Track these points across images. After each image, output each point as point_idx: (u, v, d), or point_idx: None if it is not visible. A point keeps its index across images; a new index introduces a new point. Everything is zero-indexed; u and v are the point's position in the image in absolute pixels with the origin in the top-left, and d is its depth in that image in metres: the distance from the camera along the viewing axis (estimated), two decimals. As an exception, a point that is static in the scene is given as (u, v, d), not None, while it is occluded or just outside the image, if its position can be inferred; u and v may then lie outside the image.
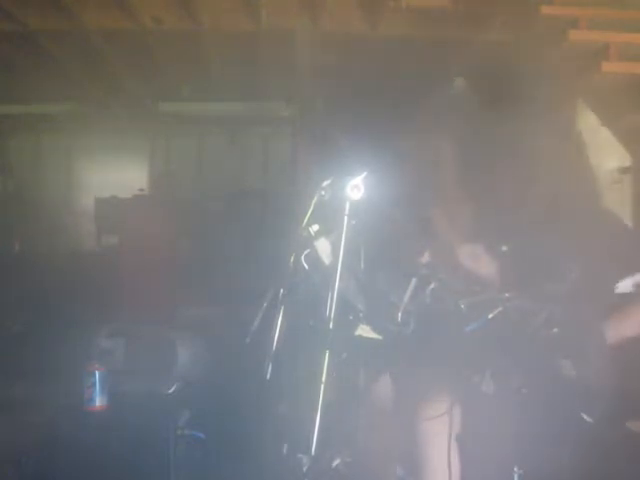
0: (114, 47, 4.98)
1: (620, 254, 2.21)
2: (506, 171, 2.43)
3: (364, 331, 2.12)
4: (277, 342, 2.16)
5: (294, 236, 2.14)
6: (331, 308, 1.98)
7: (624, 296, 2.25)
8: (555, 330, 2.06)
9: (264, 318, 2.18)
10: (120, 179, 6.47)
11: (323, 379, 1.94)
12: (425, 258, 2.30)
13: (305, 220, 2.14)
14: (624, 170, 4.04)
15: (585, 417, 2.08)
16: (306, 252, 2.11)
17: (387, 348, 2.18)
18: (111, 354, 3.30)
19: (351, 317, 2.11)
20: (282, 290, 2.15)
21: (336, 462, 2.06)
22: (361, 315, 2.12)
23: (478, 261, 2.33)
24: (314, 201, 2.13)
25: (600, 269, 2.17)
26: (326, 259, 2.09)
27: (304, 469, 1.91)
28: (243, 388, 2.54)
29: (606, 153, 4.07)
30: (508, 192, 2.43)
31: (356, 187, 2.02)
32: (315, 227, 2.12)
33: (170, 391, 3.09)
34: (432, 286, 2.19)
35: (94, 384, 2.88)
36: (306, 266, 2.11)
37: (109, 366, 2.98)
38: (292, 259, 2.13)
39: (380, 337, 2.13)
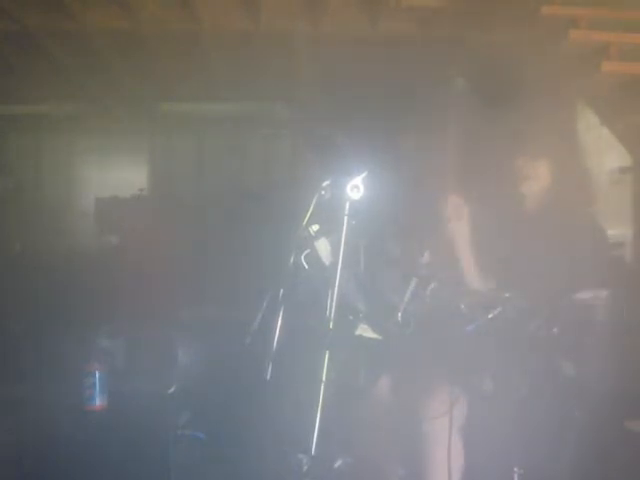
0: (114, 47, 4.97)
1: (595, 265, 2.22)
2: (505, 170, 2.43)
3: (364, 331, 2.12)
4: (277, 342, 2.16)
5: (294, 236, 2.14)
6: (331, 308, 1.98)
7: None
8: (555, 330, 2.06)
9: (264, 318, 2.18)
10: (120, 179, 6.46)
11: (323, 379, 1.94)
12: (425, 258, 2.30)
13: (305, 220, 2.14)
14: (624, 170, 4.04)
15: (584, 416, 2.09)
16: (306, 252, 2.11)
17: (387, 348, 2.18)
18: (111, 354, 3.30)
19: (351, 317, 2.11)
20: (282, 290, 2.15)
21: (337, 462, 2.06)
22: (361, 315, 2.12)
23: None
24: (314, 201, 2.13)
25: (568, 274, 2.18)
26: (326, 259, 2.09)
27: (304, 469, 1.91)
28: (243, 388, 2.55)
29: (606, 153, 4.07)
30: (506, 191, 2.44)
31: (356, 187, 2.03)
32: (315, 227, 2.12)
33: (170, 391, 3.09)
34: (432, 286, 2.19)
35: (94, 384, 2.88)
36: (306, 266, 2.11)
37: (109, 366, 2.98)
38: (292, 259, 2.13)
39: (380, 337, 2.13)
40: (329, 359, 1.95)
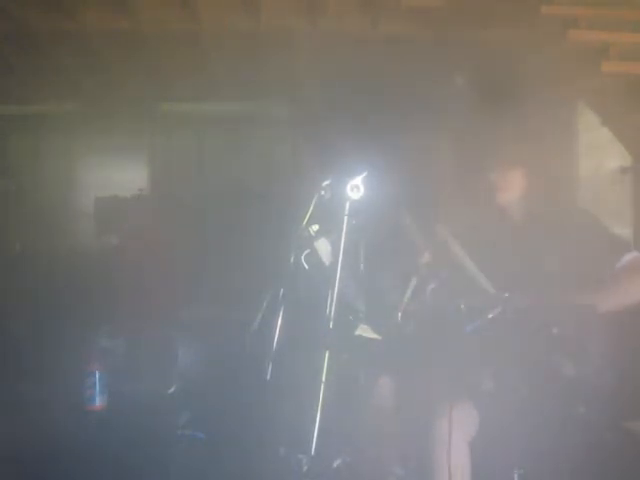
0: (114, 47, 4.98)
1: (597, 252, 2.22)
2: (504, 169, 2.43)
3: (364, 331, 2.12)
4: (277, 342, 2.16)
5: (294, 236, 2.14)
6: (331, 308, 1.98)
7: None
8: (555, 330, 2.06)
9: (264, 318, 2.18)
10: (120, 179, 6.46)
11: (323, 379, 1.94)
12: (425, 258, 2.30)
13: (305, 220, 2.14)
14: (624, 170, 4.04)
15: (584, 416, 2.09)
16: (306, 252, 2.11)
17: (387, 348, 2.18)
18: (111, 354, 3.31)
19: (351, 317, 2.11)
20: (282, 290, 2.15)
21: (336, 462, 2.06)
22: (361, 315, 2.12)
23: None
24: (314, 201, 2.13)
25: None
26: (326, 259, 2.09)
27: (304, 469, 1.91)
28: (243, 388, 2.54)
29: (606, 153, 4.07)
30: (505, 190, 2.44)
31: (356, 187, 2.03)
32: (315, 227, 2.13)
33: (170, 391, 3.09)
34: (432, 286, 2.19)
35: (94, 384, 2.89)
36: (306, 266, 2.11)
37: (109, 366, 2.99)
38: (292, 259, 2.13)
39: (380, 337, 2.13)
40: (329, 359, 1.95)
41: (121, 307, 4.11)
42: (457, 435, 2.10)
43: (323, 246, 2.10)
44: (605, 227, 2.36)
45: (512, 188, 2.43)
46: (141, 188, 6.12)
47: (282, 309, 2.16)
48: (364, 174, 2.03)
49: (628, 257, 2.24)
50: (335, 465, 2.05)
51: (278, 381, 2.14)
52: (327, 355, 1.95)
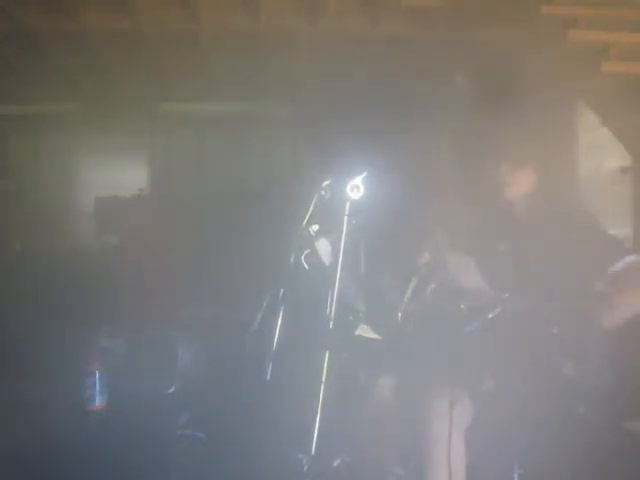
0: (114, 47, 4.98)
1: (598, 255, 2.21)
2: (503, 170, 2.43)
3: (364, 331, 2.12)
4: (277, 342, 2.16)
5: (294, 236, 2.15)
6: (331, 308, 1.98)
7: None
8: (555, 330, 2.06)
9: (264, 318, 2.18)
10: (120, 179, 6.46)
11: (323, 379, 1.94)
12: (425, 258, 2.30)
13: (305, 220, 2.14)
14: (624, 170, 4.04)
15: (584, 416, 2.09)
16: (306, 252, 2.11)
17: (387, 348, 2.18)
18: (111, 354, 3.31)
19: (351, 317, 2.11)
20: (282, 290, 2.15)
21: (336, 462, 2.06)
22: (361, 315, 2.12)
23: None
24: (314, 201, 2.14)
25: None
26: (326, 259, 2.09)
27: (304, 469, 1.91)
28: (243, 388, 2.55)
29: (606, 153, 4.07)
30: (505, 190, 2.44)
31: (356, 187, 2.03)
32: (315, 227, 2.13)
33: (170, 391, 3.09)
34: (432, 286, 2.20)
35: (94, 384, 2.89)
36: (306, 266, 2.11)
37: (109, 366, 2.99)
38: (292, 259, 2.13)
39: (380, 337, 2.13)
40: (329, 359, 1.95)
41: (121, 307, 4.11)
42: (457, 435, 2.10)
43: (323, 246, 2.10)
44: (603, 228, 2.36)
45: (512, 188, 2.43)
46: (141, 188, 6.11)
47: (282, 309, 2.16)
48: (364, 174, 2.03)
49: (628, 260, 2.22)
50: (335, 465, 2.05)
51: (278, 381, 2.14)
52: (327, 355, 1.95)
